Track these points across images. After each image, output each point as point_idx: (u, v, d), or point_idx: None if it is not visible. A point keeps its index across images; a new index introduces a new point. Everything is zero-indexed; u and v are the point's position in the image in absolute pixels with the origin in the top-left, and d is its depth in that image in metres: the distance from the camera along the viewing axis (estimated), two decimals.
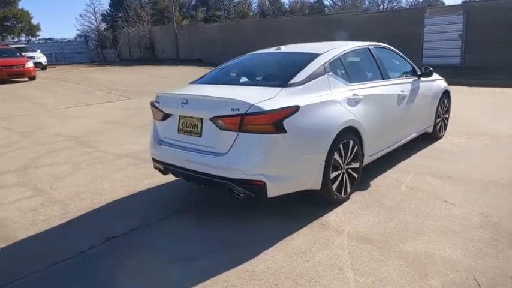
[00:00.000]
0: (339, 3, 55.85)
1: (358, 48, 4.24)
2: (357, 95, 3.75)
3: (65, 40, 38.62)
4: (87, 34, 42.08)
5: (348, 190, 3.67)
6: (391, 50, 4.95)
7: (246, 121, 3.00)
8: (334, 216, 3.40)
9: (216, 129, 3.17)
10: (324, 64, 3.61)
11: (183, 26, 31.23)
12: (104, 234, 3.30)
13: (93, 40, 40.20)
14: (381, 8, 48.63)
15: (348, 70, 3.89)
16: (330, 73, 3.62)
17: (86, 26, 45.44)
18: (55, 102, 11.40)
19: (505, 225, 3.09)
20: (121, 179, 4.69)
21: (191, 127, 3.38)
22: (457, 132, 5.98)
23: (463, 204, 3.51)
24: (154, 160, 3.79)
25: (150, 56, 30.35)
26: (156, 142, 3.74)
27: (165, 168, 3.70)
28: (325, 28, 18.58)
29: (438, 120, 5.58)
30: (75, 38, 42.99)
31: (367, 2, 55.87)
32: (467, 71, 13.88)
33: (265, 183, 3.01)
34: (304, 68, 3.52)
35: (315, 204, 3.56)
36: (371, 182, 4.13)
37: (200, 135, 3.31)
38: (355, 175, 3.74)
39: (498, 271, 2.50)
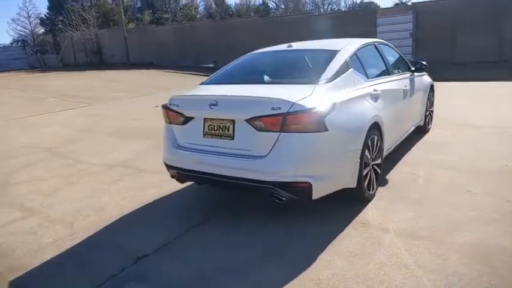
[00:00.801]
0: (282, 6, 57.11)
1: (367, 44, 4.23)
2: (377, 91, 3.73)
3: (1, 46, 35.47)
4: (25, 39, 39.03)
5: (375, 187, 3.63)
6: (389, 45, 5.02)
7: (288, 120, 2.83)
8: (370, 214, 3.34)
9: (253, 131, 2.97)
10: (346, 60, 3.55)
11: (132, 29, 30.01)
12: (132, 254, 2.96)
13: (30, 45, 37.34)
14: (322, 10, 50.26)
15: (364, 66, 3.86)
16: (352, 69, 3.56)
17: (19, 30, 42.21)
18: (7, 111, 10.34)
19: None
20: (120, 191, 4.30)
21: (220, 130, 3.15)
22: (438, 125, 6.22)
23: (485, 192, 3.60)
24: (171, 167, 3.50)
25: (98, 61, 28.78)
26: (173, 148, 3.45)
27: (185, 175, 3.43)
28: (280, 30, 18.75)
29: (426, 113, 5.78)
30: (11, 44, 39.69)
31: (309, 6, 57.63)
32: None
33: (310, 185, 2.88)
34: (329, 64, 3.42)
35: (343, 202, 3.46)
36: (387, 177, 4.14)
37: (232, 138, 3.09)
38: (379, 171, 3.72)
39: None
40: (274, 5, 56.83)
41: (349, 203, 3.49)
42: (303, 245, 2.92)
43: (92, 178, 4.79)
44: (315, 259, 2.72)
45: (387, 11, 16.61)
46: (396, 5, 32.64)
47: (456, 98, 8.79)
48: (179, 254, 2.95)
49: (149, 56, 25.32)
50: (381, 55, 4.41)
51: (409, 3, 15.76)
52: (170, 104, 3.47)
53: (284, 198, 2.97)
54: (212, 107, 3.12)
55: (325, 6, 55.32)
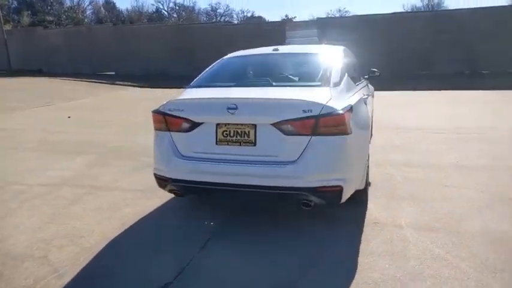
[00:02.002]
0: (175, 15, 56.56)
1: (343, 49, 4.38)
2: (364, 94, 3.89)
3: None
4: None
5: (369, 187, 3.76)
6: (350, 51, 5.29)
7: (321, 123, 2.75)
8: (376, 213, 3.43)
9: (279, 135, 2.81)
10: (342, 65, 3.61)
11: (13, 30, 26.29)
12: (151, 284, 2.53)
13: None
14: (214, 21, 51.06)
15: (349, 71, 3.98)
16: (346, 74, 3.64)
17: None
18: None
19: None
20: (87, 213, 3.67)
21: (239, 136, 2.90)
22: (378, 128, 6.77)
23: (459, 186, 4.01)
24: (171, 180, 3.10)
25: None
26: (174, 158, 3.06)
27: (190, 188, 3.08)
28: (191, 38, 18.46)
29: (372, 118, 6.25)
30: None
31: (203, 16, 58.14)
32: None
33: (342, 188, 2.83)
34: (331, 68, 3.44)
35: (340, 205, 3.47)
36: None
37: (254, 144, 2.87)
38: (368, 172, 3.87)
39: None
40: (166, 13, 55.93)
41: (347, 205, 3.52)
42: (336, 251, 2.86)
43: (40, 201, 3.99)
44: (357, 262, 2.68)
45: (295, 25, 17.63)
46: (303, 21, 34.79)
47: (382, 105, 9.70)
48: (206, 277, 2.62)
49: (37, 62, 22.43)
50: (352, 61, 4.62)
51: (315, 18, 16.88)
52: (170, 109, 3.09)
53: (312, 204, 2.87)
54: (231, 111, 2.86)
55: (219, 18, 56.45)
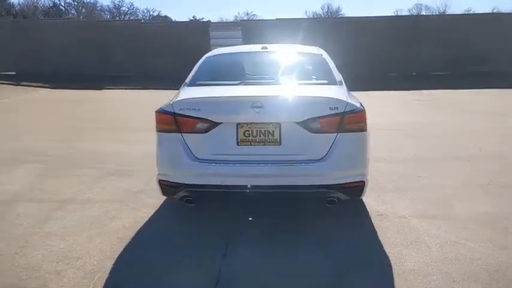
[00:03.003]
0: (73, 11, 52.33)
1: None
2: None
3: None
4: None
5: None
6: None
7: (346, 120, 2.79)
8: (375, 206, 3.57)
9: (305, 133, 2.77)
10: (334, 64, 3.70)
11: None
12: None
13: None
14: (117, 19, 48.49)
15: None
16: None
17: None
18: None
19: (487, 183, 4.16)
20: (68, 231, 3.19)
21: (262, 135, 2.79)
22: None
23: (430, 176, 4.39)
24: (183, 186, 2.86)
25: None
26: (188, 162, 2.83)
27: (207, 192, 2.88)
28: (104, 35, 17.17)
29: None
30: None
31: (106, 14, 54.77)
32: None
33: (364, 183, 2.91)
34: (331, 66, 3.52)
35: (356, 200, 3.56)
36: None
37: (279, 144, 2.79)
38: None
39: None
40: (63, 8, 51.38)
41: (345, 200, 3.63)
42: (362, 245, 2.93)
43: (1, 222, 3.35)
44: (386, 253, 2.77)
45: (218, 26, 17.53)
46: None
47: None
48: (247, 282, 2.47)
49: None
50: None
51: (238, 20, 16.98)
52: (181, 109, 2.83)
53: (337, 201, 2.90)
54: (256, 109, 2.73)
55: (122, 16, 53.62)
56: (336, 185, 2.80)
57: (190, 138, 2.85)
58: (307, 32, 15.83)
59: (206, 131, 2.82)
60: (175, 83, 15.86)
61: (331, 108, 2.77)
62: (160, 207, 3.65)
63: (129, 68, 16.70)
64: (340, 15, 54.16)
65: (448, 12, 51.99)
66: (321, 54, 3.82)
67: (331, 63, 3.61)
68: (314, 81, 3.32)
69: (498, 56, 15.86)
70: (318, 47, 4.23)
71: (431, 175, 4.42)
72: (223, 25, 18.60)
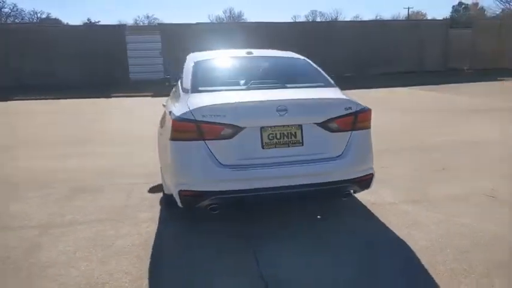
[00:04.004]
0: None
1: None
2: None
3: None
4: None
5: None
6: None
7: (358, 119, 3.03)
8: (365, 197, 3.84)
9: (324, 133, 2.94)
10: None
11: None
12: None
13: None
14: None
15: None
16: None
17: None
18: None
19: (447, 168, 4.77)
20: (70, 258, 2.89)
21: (286, 137, 2.88)
22: None
23: (393, 165, 4.90)
24: (213, 194, 2.81)
25: None
26: (214, 168, 2.79)
27: (234, 198, 2.87)
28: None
29: None
30: None
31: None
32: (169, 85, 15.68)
33: (373, 175, 3.18)
34: (319, 70, 3.73)
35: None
36: None
37: (302, 144, 2.91)
38: None
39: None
40: None
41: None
42: (372, 232, 3.21)
43: None
44: (398, 236, 3.08)
45: (136, 30, 16.75)
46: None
47: None
48: (294, 284, 2.55)
49: None
50: None
51: (156, 24, 16.45)
52: (204, 116, 2.77)
53: (352, 194, 3.12)
54: (281, 113, 2.81)
55: (4, 19, 47.86)
56: (353, 179, 3.02)
57: (215, 145, 2.81)
58: (228, 36, 16.10)
59: (231, 136, 2.81)
60: (89, 91, 14.97)
61: (346, 109, 2.98)
62: (159, 219, 3.49)
63: (35, 76, 15.04)
64: (243, 20, 55.87)
65: (340, 18, 57.34)
66: (304, 59, 4.02)
67: (316, 66, 3.84)
68: (314, 83, 3.50)
69: (398, 58, 18.05)
70: (291, 52, 4.44)
71: (392, 165, 4.93)
72: (139, 29, 17.80)
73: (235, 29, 16.95)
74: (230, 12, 64.13)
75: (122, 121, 8.89)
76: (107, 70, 15.79)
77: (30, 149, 6.25)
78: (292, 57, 4.07)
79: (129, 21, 53.69)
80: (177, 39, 16.36)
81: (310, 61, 3.96)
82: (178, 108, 2.99)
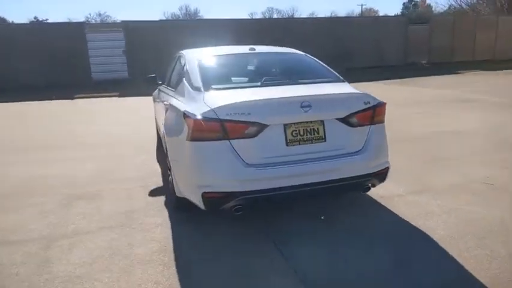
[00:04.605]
0: None
1: None
2: None
3: None
4: None
5: None
6: None
7: (376, 113, 3.07)
8: (373, 190, 3.85)
9: (345, 128, 2.95)
10: None
11: None
12: None
13: None
14: None
15: None
16: None
17: None
18: None
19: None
20: (91, 271, 2.71)
21: (308, 134, 2.86)
22: None
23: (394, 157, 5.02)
24: (241, 194, 2.74)
25: None
26: (241, 168, 2.72)
27: (261, 198, 2.81)
28: None
29: None
30: None
31: None
32: (134, 83, 15.03)
33: (389, 168, 3.23)
34: (324, 65, 3.75)
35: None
36: None
37: (324, 140, 2.90)
38: None
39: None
40: None
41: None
42: (388, 224, 3.28)
43: None
44: (415, 226, 3.17)
45: (97, 27, 16.02)
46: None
47: None
48: (334, 274, 2.54)
49: None
50: None
51: (119, 21, 15.81)
52: (229, 114, 2.69)
53: (371, 187, 3.16)
54: (305, 109, 2.79)
55: None
56: (374, 173, 3.06)
57: (240, 144, 2.73)
58: (195, 34, 15.84)
59: (256, 134, 2.74)
60: (50, 92, 14.24)
61: (365, 103, 3.01)
62: (172, 223, 3.36)
63: None
64: (199, 17, 55.08)
65: (296, 15, 58.10)
66: (306, 54, 4.02)
67: (320, 62, 3.85)
68: (324, 79, 3.49)
69: (360, 53, 18.56)
70: (289, 48, 4.43)
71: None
72: (100, 26, 17.06)
73: (203, 26, 16.66)
74: (186, 9, 63.08)
75: (99, 123, 8.49)
76: (67, 70, 15.00)
77: (5, 155, 5.81)
78: (295, 53, 4.05)
79: (80, 18, 51.45)
80: (142, 37, 15.87)
81: (312, 56, 3.96)
82: (195, 107, 2.88)
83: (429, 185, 4.09)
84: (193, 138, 2.77)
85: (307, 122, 2.86)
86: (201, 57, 3.67)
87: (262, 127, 2.75)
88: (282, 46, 4.50)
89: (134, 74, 15.89)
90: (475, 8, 26.93)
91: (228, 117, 2.69)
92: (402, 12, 56.08)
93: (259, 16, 57.69)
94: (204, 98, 2.97)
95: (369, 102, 3.03)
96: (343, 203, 3.74)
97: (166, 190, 4.04)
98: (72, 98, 12.47)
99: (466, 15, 23.12)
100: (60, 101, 11.89)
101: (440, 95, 10.50)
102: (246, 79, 3.37)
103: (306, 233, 3.14)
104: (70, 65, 15.04)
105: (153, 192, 4.10)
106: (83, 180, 4.54)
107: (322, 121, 2.90)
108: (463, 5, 30.28)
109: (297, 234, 3.11)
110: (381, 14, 54.76)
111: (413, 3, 59.99)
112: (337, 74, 3.59)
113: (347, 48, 18.29)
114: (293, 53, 4.09)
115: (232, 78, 3.40)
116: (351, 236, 3.09)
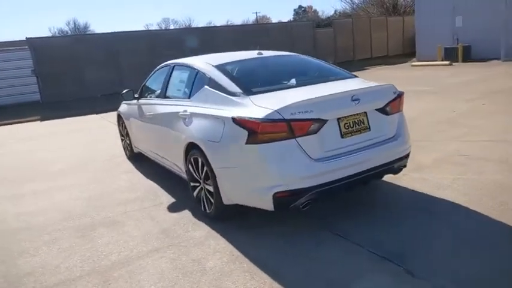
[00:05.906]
0: None
1: None
2: None
3: None
4: None
5: None
6: None
7: (401, 101, 3.43)
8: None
9: (383, 117, 3.25)
10: None
11: None
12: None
13: None
14: None
15: None
16: None
17: None
18: None
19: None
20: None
21: (357, 125, 3.09)
22: None
23: None
24: (314, 188, 2.86)
25: None
26: (311, 163, 2.86)
27: (329, 190, 2.96)
28: None
29: None
30: None
31: None
32: (48, 106, 13.77)
33: (410, 150, 3.61)
34: (329, 64, 4.02)
35: None
36: None
37: (369, 129, 3.15)
38: None
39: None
40: None
41: None
42: (415, 199, 3.65)
43: None
44: (438, 199, 3.58)
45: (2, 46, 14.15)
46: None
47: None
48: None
49: None
50: None
51: (24, 39, 14.19)
52: (293, 113, 2.78)
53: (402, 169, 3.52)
54: (355, 102, 3.01)
55: None
56: (404, 156, 3.41)
57: (305, 141, 2.84)
58: (109, 46, 15.15)
59: (317, 130, 2.88)
60: None
61: (394, 93, 3.34)
62: (221, 233, 3.27)
63: None
64: (89, 32, 51.63)
65: (193, 25, 58.05)
66: (306, 56, 4.26)
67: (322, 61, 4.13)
68: (343, 76, 3.73)
69: None
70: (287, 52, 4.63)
71: None
72: (6, 45, 15.14)
73: (114, 40, 15.84)
74: (75, 23, 58.65)
75: (50, 149, 7.56)
76: None
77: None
78: (302, 56, 4.29)
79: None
80: (51, 54, 14.51)
81: (311, 57, 4.22)
82: (248, 111, 2.91)
83: (421, 162, 4.61)
84: (259, 141, 2.79)
85: (355, 115, 3.09)
86: (217, 64, 3.65)
87: (323, 123, 2.90)
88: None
89: (47, 96, 14.46)
90: (365, 10, 30.14)
91: (292, 116, 2.78)
92: (294, 18, 60.04)
93: (155, 27, 56.18)
94: (252, 102, 3.00)
95: (395, 92, 3.38)
96: (364, 189, 4.02)
97: (184, 204, 3.90)
98: None
99: (361, 18, 25.73)
100: None
101: None
102: (274, 81, 3.47)
103: (352, 218, 3.35)
104: None
105: (172, 208, 3.93)
106: (80, 209, 4.11)
107: (365, 112, 3.15)
108: (348, 9, 33.71)
109: (347, 222, 3.31)
110: (273, 20, 57.27)
111: (302, 9, 64.64)
112: (348, 72, 3.89)
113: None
114: (299, 55, 4.30)
115: (263, 82, 3.46)
116: (393, 214, 3.38)
